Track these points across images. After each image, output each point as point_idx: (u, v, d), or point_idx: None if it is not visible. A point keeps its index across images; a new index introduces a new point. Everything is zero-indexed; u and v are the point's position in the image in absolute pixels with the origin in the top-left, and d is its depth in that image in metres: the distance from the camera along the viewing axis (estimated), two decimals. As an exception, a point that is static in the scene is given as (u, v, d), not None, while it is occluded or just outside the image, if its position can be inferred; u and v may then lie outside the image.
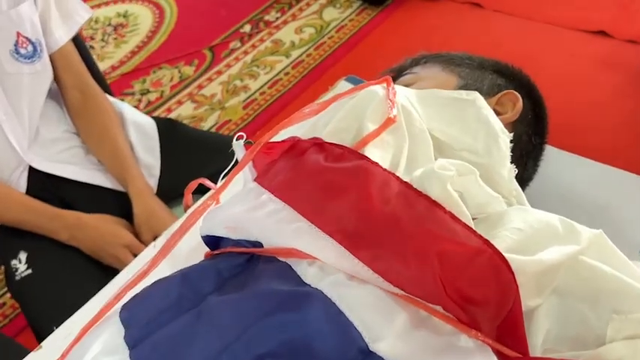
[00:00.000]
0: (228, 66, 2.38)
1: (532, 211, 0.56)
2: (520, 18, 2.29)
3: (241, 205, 0.58)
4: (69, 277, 1.17)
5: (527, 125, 0.73)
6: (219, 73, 2.36)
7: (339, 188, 0.52)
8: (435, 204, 0.48)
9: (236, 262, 0.55)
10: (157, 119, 1.39)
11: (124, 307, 0.57)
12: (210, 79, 2.34)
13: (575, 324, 0.51)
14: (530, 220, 0.52)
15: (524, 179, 0.77)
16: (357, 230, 0.49)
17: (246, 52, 2.43)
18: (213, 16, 2.64)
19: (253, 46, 2.45)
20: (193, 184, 0.71)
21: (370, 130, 0.56)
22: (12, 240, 1.22)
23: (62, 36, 1.28)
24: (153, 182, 1.31)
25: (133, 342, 0.52)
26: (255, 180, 0.61)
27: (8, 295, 1.68)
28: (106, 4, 2.81)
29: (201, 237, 0.63)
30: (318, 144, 0.56)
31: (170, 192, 1.30)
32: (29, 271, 1.18)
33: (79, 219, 1.19)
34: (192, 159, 1.32)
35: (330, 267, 0.48)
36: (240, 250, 0.55)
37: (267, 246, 0.52)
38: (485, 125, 0.63)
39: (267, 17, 2.57)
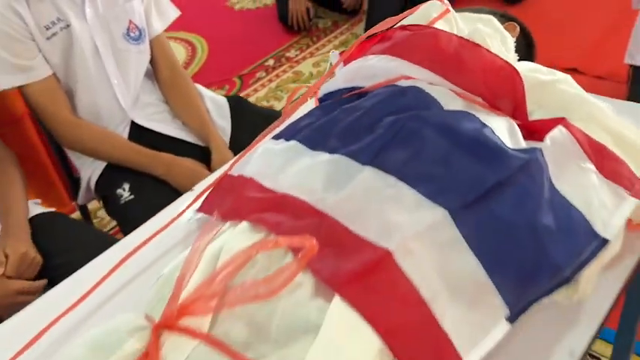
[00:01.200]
0: (256, 90, 2.78)
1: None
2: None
3: (355, 64, 0.94)
4: (162, 202, 1.49)
5: (521, 50, 1.11)
6: (248, 95, 2.75)
7: (419, 41, 0.88)
8: (479, 45, 0.85)
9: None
10: (227, 96, 1.76)
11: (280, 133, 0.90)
12: (240, 100, 2.72)
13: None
14: (529, 65, 0.89)
15: None
16: (433, 61, 0.85)
17: (270, 80, 2.83)
18: (241, 53, 3.06)
19: (277, 76, 2.86)
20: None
21: (434, 16, 0.93)
22: (117, 175, 1.55)
23: (158, 27, 1.67)
24: (225, 140, 1.66)
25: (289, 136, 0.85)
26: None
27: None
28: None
29: (318, 98, 0.98)
30: (402, 27, 0.93)
31: (237, 148, 1.65)
32: (132, 196, 1.51)
33: (174, 159, 1.53)
34: (255, 124, 1.67)
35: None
36: (355, 93, 0.90)
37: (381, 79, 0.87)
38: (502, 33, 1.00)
39: (288, 54, 3.00)
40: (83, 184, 1.63)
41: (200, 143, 1.62)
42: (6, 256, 1.22)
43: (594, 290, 0.75)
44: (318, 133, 0.83)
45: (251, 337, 0.61)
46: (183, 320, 0.63)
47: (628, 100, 1.47)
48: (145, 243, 0.91)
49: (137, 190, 1.52)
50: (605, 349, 1.56)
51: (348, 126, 0.80)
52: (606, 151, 0.77)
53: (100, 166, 1.58)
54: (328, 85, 0.97)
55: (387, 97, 0.81)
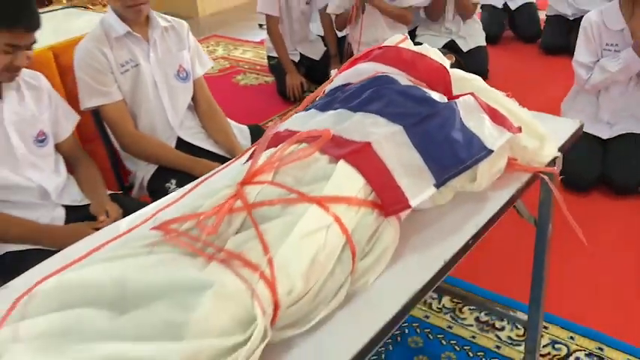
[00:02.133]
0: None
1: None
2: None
3: (347, 71, 1.48)
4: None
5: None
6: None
7: (388, 53, 1.44)
8: (425, 55, 1.41)
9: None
10: (248, 125, 2.32)
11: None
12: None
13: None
14: (457, 71, 1.45)
15: None
16: (397, 63, 1.40)
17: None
18: (246, 117, 3.63)
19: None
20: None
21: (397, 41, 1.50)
22: (166, 174, 2.06)
23: (199, 72, 2.25)
24: (246, 155, 2.19)
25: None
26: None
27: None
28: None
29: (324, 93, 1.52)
30: (377, 47, 1.50)
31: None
32: (177, 188, 2.01)
33: (208, 163, 2.05)
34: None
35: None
36: (347, 86, 1.44)
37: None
38: None
39: (285, 117, 3.58)
40: (137, 183, 2.14)
41: (227, 155, 2.15)
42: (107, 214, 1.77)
43: (491, 188, 1.28)
44: (326, 103, 1.37)
45: (294, 183, 1.12)
46: (256, 178, 1.13)
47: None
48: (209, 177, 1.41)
49: (181, 184, 2.02)
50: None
51: (345, 97, 1.35)
52: (497, 111, 1.32)
53: (152, 168, 2.10)
54: (331, 85, 1.52)
55: (368, 81, 1.36)
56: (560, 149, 1.45)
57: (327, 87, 1.52)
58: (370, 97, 1.29)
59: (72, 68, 2.04)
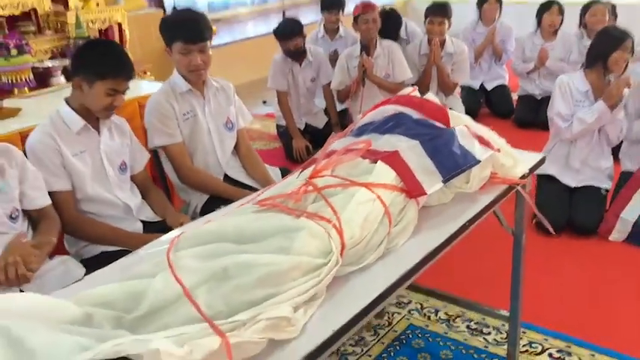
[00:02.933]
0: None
1: None
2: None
3: (371, 113, 2.01)
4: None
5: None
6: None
7: (403, 99, 1.98)
8: (429, 100, 1.95)
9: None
10: (280, 167, 2.84)
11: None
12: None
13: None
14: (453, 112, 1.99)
15: None
16: (409, 105, 1.94)
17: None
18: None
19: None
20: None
21: (408, 92, 2.05)
22: (217, 201, 2.54)
23: (242, 124, 2.79)
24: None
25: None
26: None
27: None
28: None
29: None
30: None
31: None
32: (226, 212, 2.50)
33: (250, 193, 2.54)
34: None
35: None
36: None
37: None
38: None
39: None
40: (190, 210, 2.62)
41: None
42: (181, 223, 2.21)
43: (479, 192, 1.80)
44: (359, 132, 1.91)
45: (346, 176, 1.62)
46: (319, 174, 1.64)
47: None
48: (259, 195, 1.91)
49: (229, 209, 2.51)
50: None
51: (374, 127, 1.88)
52: (482, 137, 1.85)
53: (204, 197, 2.59)
54: (359, 123, 2.05)
55: (390, 117, 1.90)
56: (530, 169, 1.99)
57: (357, 124, 2.06)
58: (393, 125, 1.83)
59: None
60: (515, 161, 1.92)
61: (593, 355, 2.39)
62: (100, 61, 2.12)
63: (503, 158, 1.88)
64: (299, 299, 1.26)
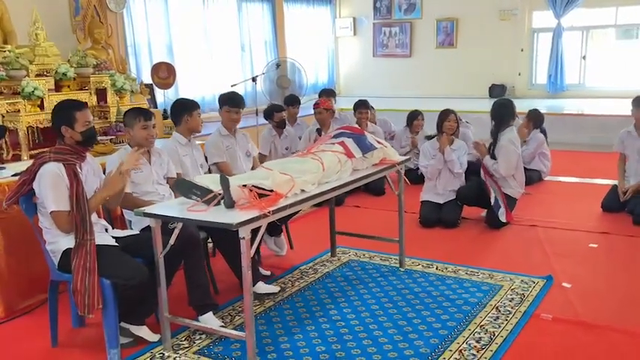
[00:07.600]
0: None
1: None
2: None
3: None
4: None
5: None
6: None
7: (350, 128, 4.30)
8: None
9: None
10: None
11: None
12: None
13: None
14: None
15: None
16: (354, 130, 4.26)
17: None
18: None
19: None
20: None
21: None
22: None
23: (254, 154, 5.09)
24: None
25: None
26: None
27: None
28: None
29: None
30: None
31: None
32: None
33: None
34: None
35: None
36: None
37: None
38: None
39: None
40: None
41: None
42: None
43: (378, 165, 4.14)
44: (334, 136, 4.25)
45: (324, 147, 3.93)
46: (311, 150, 3.93)
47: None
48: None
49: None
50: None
51: (336, 134, 4.22)
52: (380, 141, 4.20)
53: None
54: (332, 134, 4.35)
55: (342, 131, 4.25)
56: (402, 161, 4.37)
57: (332, 134, 4.36)
58: (343, 134, 4.17)
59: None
60: (395, 154, 4.30)
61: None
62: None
63: (388, 152, 4.25)
64: (311, 179, 3.53)
